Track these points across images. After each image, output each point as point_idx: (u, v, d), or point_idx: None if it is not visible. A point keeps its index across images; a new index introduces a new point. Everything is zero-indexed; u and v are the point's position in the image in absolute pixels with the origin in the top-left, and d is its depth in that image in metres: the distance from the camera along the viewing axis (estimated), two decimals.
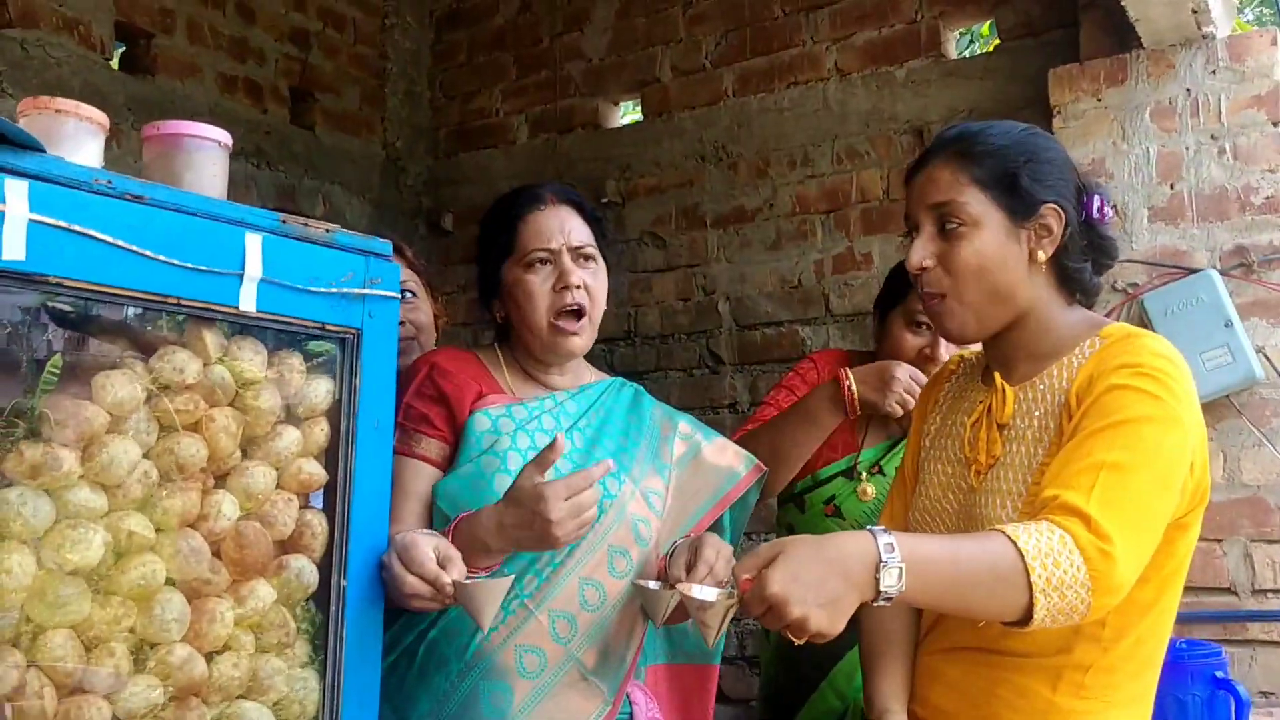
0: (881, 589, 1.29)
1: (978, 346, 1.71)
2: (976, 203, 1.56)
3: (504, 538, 1.59)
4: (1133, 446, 1.41)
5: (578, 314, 1.84)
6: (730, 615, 1.38)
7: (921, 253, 1.59)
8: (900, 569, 1.29)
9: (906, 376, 2.14)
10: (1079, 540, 1.34)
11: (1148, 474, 1.41)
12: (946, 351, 2.20)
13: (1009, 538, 1.34)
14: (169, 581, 1.33)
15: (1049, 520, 1.36)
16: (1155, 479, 1.42)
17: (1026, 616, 1.34)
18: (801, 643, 1.31)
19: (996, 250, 1.56)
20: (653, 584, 1.73)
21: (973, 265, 1.56)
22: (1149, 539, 1.42)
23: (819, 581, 1.27)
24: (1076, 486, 1.39)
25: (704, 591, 1.46)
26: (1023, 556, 1.32)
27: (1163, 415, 1.44)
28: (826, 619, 1.27)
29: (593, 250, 1.88)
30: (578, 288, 1.83)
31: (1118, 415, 1.43)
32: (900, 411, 2.14)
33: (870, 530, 1.32)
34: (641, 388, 2.06)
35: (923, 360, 2.23)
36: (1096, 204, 1.61)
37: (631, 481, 1.86)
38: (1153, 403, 1.44)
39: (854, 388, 2.17)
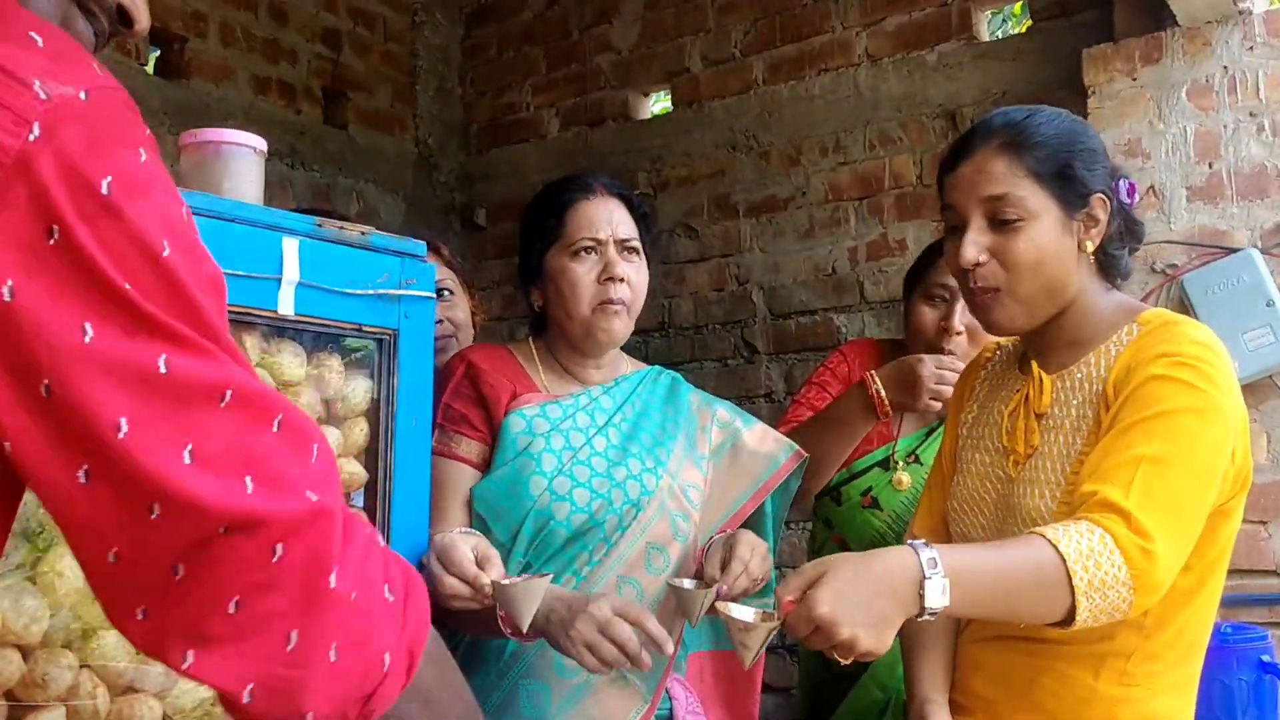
0: (926, 605, 1.29)
1: None
2: (1033, 196, 1.52)
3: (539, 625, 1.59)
4: (1172, 439, 1.40)
5: (620, 305, 1.84)
6: (770, 637, 1.36)
7: (975, 248, 1.54)
8: (944, 584, 1.28)
9: (932, 371, 2.09)
10: (1119, 539, 1.33)
11: (1187, 467, 1.40)
12: (961, 320, 2.17)
13: (1049, 541, 1.33)
14: None
15: (1088, 519, 1.35)
16: (1195, 472, 1.41)
17: (1069, 618, 1.34)
18: (848, 662, 1.31)
19: (1053, 243, 1.53)
20: (687, 583, 1.72)
21: (1030, 260, 1.53)
22: (1189, 533, 1.41)
23: (866, 601, 1.27)
24: (1115, 481, 1.38)
25: (743, 612, 1.43)
26: (1064, 560, 1.31)
27: (1202, 405, 1.43)
28: (875, 638, 1.27)
29: (637, 244, 1.87)
30: (621, 280, 1.82)
31: (1156, 407, 1.42)
32: (937, 407, 2.11)
33: (912, 545, 1.31)
34: (680, 375, 2.04)
35: (940, 333, 2.21)
36: (1126, 187, 1.60)
37: (669, 476, 1.86)
38: (1191, 393, 1.43)
39: (881, 391, 2.13)
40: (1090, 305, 1.59)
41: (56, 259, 0.65)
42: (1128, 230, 1.61)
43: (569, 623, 1.54)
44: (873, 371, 2.16)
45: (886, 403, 2.12)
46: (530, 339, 1.98)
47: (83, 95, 0.66)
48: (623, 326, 1.86)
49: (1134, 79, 3.07)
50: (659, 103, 4.42)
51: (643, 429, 1.90)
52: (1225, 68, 2.99)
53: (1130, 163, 2.98)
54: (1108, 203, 1.56)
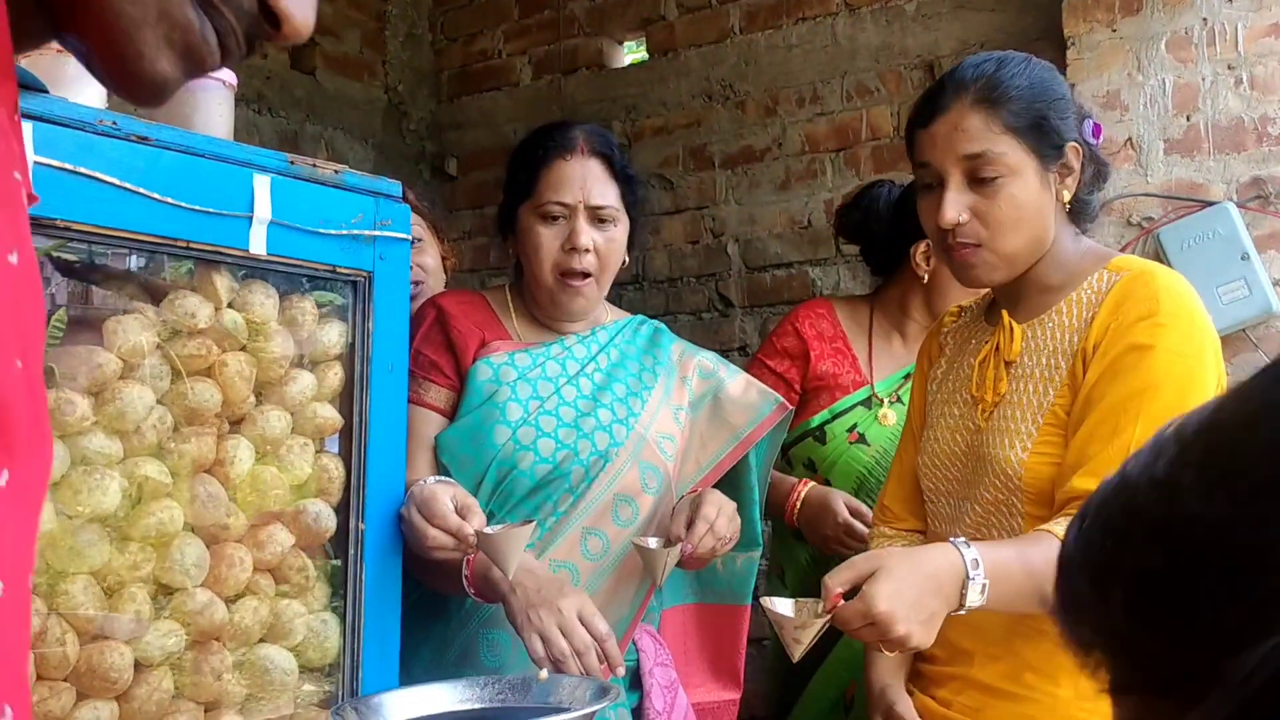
0: (966, 604, 1.32)
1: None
2: (1011, 151, 1.50)
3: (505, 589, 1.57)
4: (1159, 414, 1.40)
5: (584, 276, 1.81)
6: (821, 630, 1.36)
7: (955, 208, 1.52)
8: (985, 584, 1.32)
9: (844, 519, 2.17)
10: None
11: None
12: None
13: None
14: (186, 527, 1.33)
15: None
16: None
17: None
18: (892, 655, 1.35)
19: (1033, 197, 1.52)
20: (651, 541, 1.71)
21: (1012, 216, 1.51)
22: None
23: (919, 598, 1.30)
24: (1107, 473, 1.38)
25: (785, 605, 1.41)
26: None
27: (1185, 370, 1.43)
28: (925, 634, 1.31)
29: (612, 213, 1.82)
30: (586, 251, 1.78)
31: (1139, 382, 1.42)
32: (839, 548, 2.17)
33: (954, 544, 1.34)
34: (664, 325, 2.02)
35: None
36: (1091, 128, 1.58)
37: (642, 427, 1.83)
38: (1174, 358, 1.43)
39: (796, 514, 2.26)
40: (1061, 252, 1.58)
41: None
42: (1096, 173, 1.60)
43: (532, 606, 1.52)
44: (803, 493, 2.25)
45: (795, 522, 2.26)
46: (507, 286, 1.95)
47: None
48: (586, 300, 1.83)
49: (1114, 30, 3.05)
50: (634, 53, 4.35)
51: (617, 379, 1.87)
52: (1204, 20, 2.97)
53: (1108, 115, 2.96)
54: (1080, 150, 1.55)
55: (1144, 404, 1.41)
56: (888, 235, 2.34)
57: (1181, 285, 1.50)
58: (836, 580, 1.33)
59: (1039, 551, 1.38)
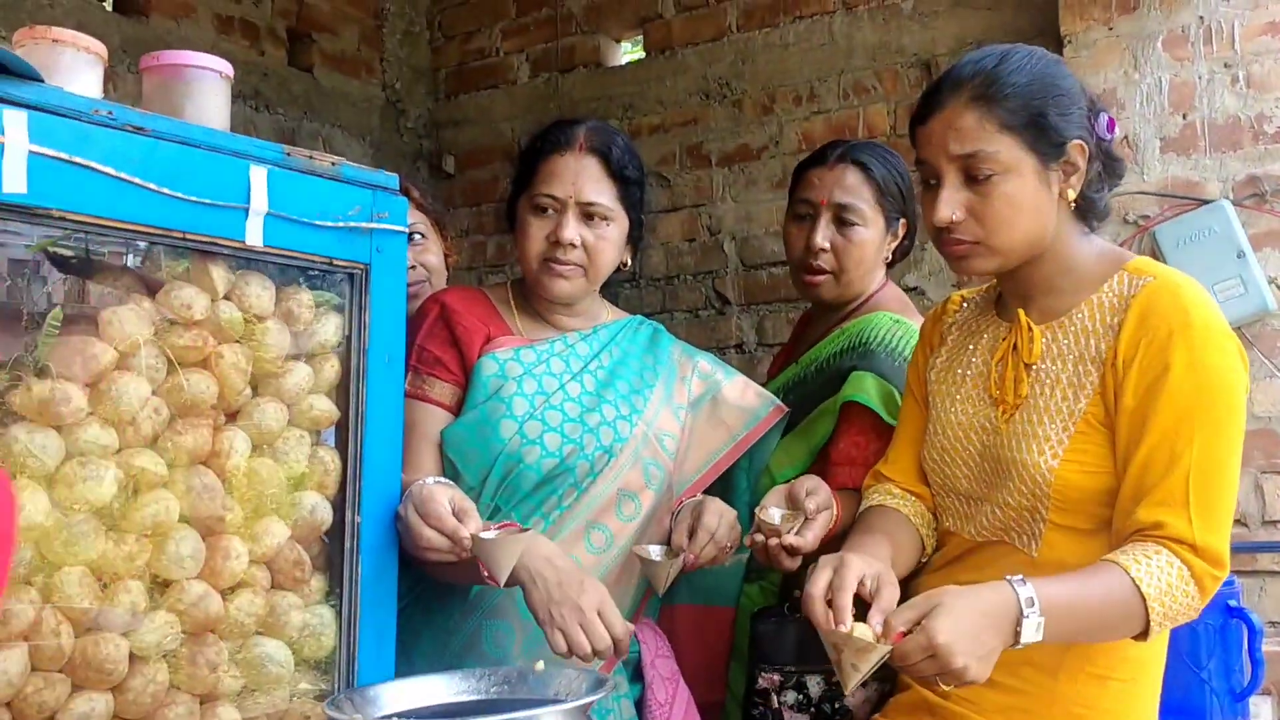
0: (1022, 640, 1.34)
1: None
2: (1007, 150, 1.49)
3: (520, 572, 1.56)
4: (1212, 433, 1.44)
5: (566, 267, 1.81)
6: (880, 662, 1.35)
7: (949, 207, 1.52)
8: (1040, 622, 1.34)
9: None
10: (1194, 570, 1.41)
11: (1231, 457, 1.46)
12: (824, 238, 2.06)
13: (1132, 579, 1.38)
14: (182, 519, 1.33)
15: (1168, 548, 1.41)
16: (1235, 454, 1.47)
17: (1137, 638, 1.44)
18: (949, 689, 1.36)
19: (1030, 195, 1.51)
20: (654, 551, 1.71)
21: (1006, 215, 1.51)
22: (1230, 518, 1.47)
23: (977, 634, 1.31)
24: (1171, 503, 1.42)
25: (841, 634, 1.37)
26: (1144, 599, 1.38)
27: (1228, 383, 1.46)
28: (982, 669, 1.32)
29: (604, 210, 1.82)
30: (571, 245, 1.79)
31: (1186, 402, 1.44)
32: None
33: (1010, 582, 1.35)
34: (661, 326, 2.03)
35: (805, 252, 2.09)
36: (1105, 122, 1.57)
37: (644, 424, 1.84)
38: (1216, 374, 1.45)
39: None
40: (1070, 253, 1.57)
41: None
42: (1107, 169, 1.59)
43: (555, 602, 1.53)
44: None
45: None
46: (509, 283, 1.96)
47: None
48: (570, 288, 1.83)
49: (1110, 28, 3.06)
50: (631, 51, 4.35)
51: (619, 376, 1.88)
52: (1201, 18, 2.97)
53: None
54: (1086, 148, 1.53)
55: (1196, 426, 1.43)
56: None
57: (1205, 295, 1.50)
58: (899, 619, 1.34)
59: (1098, 583, 1.40)
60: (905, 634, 1.33)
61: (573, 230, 1.79)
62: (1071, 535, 1.52)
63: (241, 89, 3.68)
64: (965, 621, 1.31)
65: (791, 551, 1.64)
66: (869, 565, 1.44)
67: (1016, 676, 1.52)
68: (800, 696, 1.77)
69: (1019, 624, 1.33)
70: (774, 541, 1.65)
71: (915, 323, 1.98)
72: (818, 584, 1.41)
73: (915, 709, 1.62)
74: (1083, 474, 1.50)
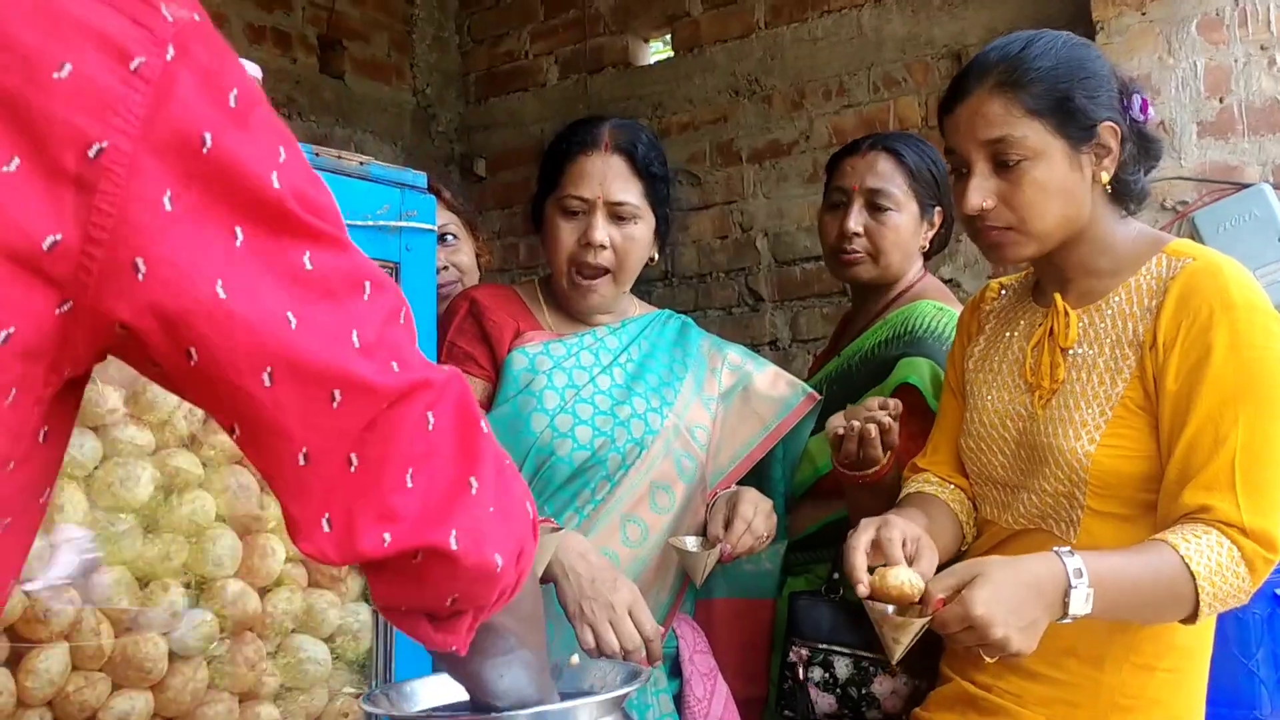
0: (1070, 611, 1.32)
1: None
2: (1034, 134, 1.48)
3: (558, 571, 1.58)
4: (1258, 415, 1.41)
5: (597, 272, 1.82)
6: (920, 633, 1.35)
7: (980, 194, 1.50)
8: (1089, 593, 1.32)
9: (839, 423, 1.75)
10: (1245, 551, 1.38)
11: (1278, 438, 1.42)
12: (857, 222, 2.06)
13: (1181, 557, 1.36)
14: (219, 518, 1.34)
15: (1218, 529, 1.39)
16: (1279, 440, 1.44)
17: (1186, 620, 1.41)
18: (993, 660, 1.34)
19: (1060, 179, 1.49)
20: (691, 542, 1.71)
21: (1038, 200, 1.49)
22: None
23: (1019, 604, 1.30)
24: (1218, 486, 1.39)
25: (879, 609, 1.38)
26: (1194, 577, 1.35)
27: (1273, 364, 1.43)
28: (1025, 640, 1.30)
29: (633, 210, 1.82)
30: (601, 247, 1.80)
31: (1231, 385, 1.41)
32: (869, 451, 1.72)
33: (1057, 553, 1.34)
34: (690, 319, 2.03)
35: (839, 238, 2.09)
36: (1139, 104, 1.55)
37: (675, 416, 1.84)
38: (1260, 354, 1.42)
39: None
40: (1107, 235, 1.55)
41: (206, 167, 0.67)
42: (1143, 151, 1.57)
43: (586, 598, 1.54)
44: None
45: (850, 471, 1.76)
46: (537, 280, 1.96)
47: (196, 18, 0.69)
48: (601, 297, 1.84)
49: (1143, 13, 3.02)
50: (659, 51, 4.35)
51: (649, 369, 1.88)
52: (1236, 1, 2.93)
53: None
54: (1118, 129, 1.51)
55: (1241, 407, 1.41)
56: None
57: (1247, 275, 1.48)
58: (939, 586, 1.34)
59: (1149, 561, 1.38)
60: (945, 600, 1.32)
61: (602, 231, 1.80)
62: (1110, 521, 1.49)
63: (274, 96, 3.70)
64: (1005, 591, 1.29)
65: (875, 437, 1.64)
66: (909, 528, 1.44)
67: (1060, 668, 1.50)
68: (827, 675, 1.75)
69: (1067, 595, 1.31)
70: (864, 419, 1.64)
71: (958, 311, 1.96)
72: (860, 537, 1.42)
73: (957, 701, 1.60)
74: (1120, 459, 1.48)
